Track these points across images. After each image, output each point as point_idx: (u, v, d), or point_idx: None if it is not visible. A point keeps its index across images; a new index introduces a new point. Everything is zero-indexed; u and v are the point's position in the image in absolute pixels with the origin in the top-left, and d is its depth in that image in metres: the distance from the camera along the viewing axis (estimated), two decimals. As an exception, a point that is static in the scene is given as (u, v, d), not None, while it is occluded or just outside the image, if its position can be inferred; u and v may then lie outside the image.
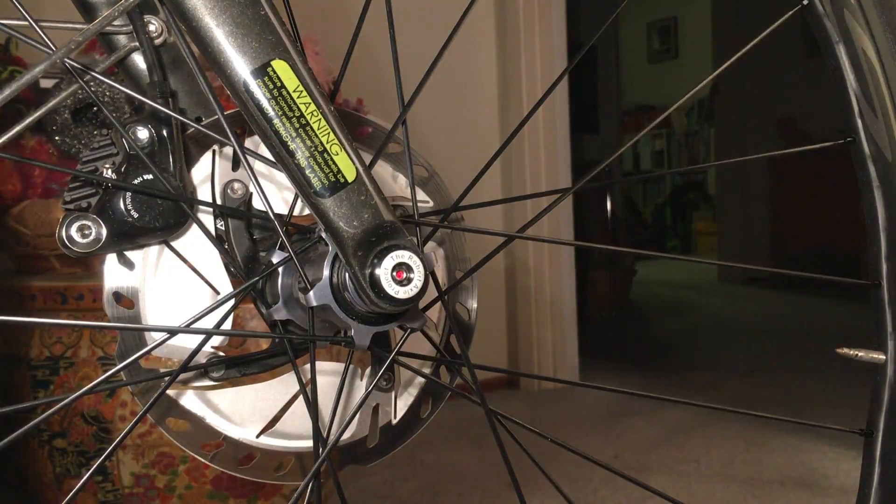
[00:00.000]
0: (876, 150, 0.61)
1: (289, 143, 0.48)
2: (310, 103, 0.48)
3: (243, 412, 0.63)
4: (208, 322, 0.56)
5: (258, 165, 0.61)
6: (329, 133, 0.49)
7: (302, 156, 0.48)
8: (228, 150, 0.61)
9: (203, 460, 0.62)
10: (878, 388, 0.62)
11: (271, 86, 0.47)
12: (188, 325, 0.55)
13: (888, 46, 0.59)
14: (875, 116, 0.60)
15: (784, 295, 4.92)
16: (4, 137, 0.44)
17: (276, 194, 0.63)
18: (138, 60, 0.59)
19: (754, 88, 5.30)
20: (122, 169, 0.54)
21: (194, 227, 0.59)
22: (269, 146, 0.48)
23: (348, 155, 0.49)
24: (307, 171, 0.48)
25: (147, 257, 0.59)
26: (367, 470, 1.88)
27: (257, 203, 0.62)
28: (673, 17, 7.81)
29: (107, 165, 0.55)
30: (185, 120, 0.56)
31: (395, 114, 0.61)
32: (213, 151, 0.60)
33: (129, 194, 0.54)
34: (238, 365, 0.61)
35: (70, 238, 0.52)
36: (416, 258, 0.50)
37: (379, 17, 0.61)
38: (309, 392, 0.55)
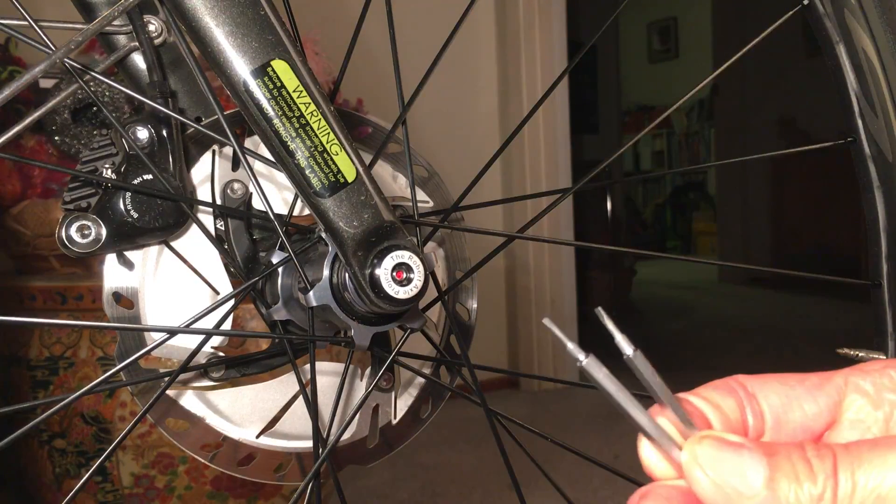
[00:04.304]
0: (876, 151, 0.61)
1: (289, 143, 0.48)
2: (310, 103, 0.48)
3: (243, 412, 0.63)
4: (208, 322, 0.56)
5: (258, 165, 0.61)
6: (329, 133, 0.49)
7: (302, 156, 0.48)
8: (228, 150, 0.60)
9: (203, 461, 0.62)
10: (879, 389, 0.62)
11: (271, 86, 0.47)
12: (188, 326, 0.55)
13: (888, 46, 0.59)
14: (875, 116, 0.60)
15: (784, 295, 4.91)
16: (4, 137, 0.44)
17: (276, 194, 0.63)
18: (138, 60, 0.59)
19: (754, 88, 5.30)
20: (122, 169, 0.54)
21: (194, 227, 0.59)
22: (269, 146, 0.48)
23: (348, 155, 0.49)
24: (307, 171, 0.48)
25: (147, 257, 0.59)
26: (367, 470, 1.88)
27: (257, 203, 0.61)
28: (673, 17, 7.80)
29: (106, 165, 0.55)
30: (185, 120, 0.56)
31: (395, 114, 0.61)
32: (213, 151, 0.60)
33: (128, 194, 0.54)
34: (238, 365, 0.61)
35: (70, 238, 0.52)
36: (416, 258, 0.50)
37: (379, 17, 0.61)
38: (309, 392, 0.55)
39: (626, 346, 0.28)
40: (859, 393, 0.30)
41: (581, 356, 0.28)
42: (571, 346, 0.28)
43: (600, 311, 0.29)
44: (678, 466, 0.29)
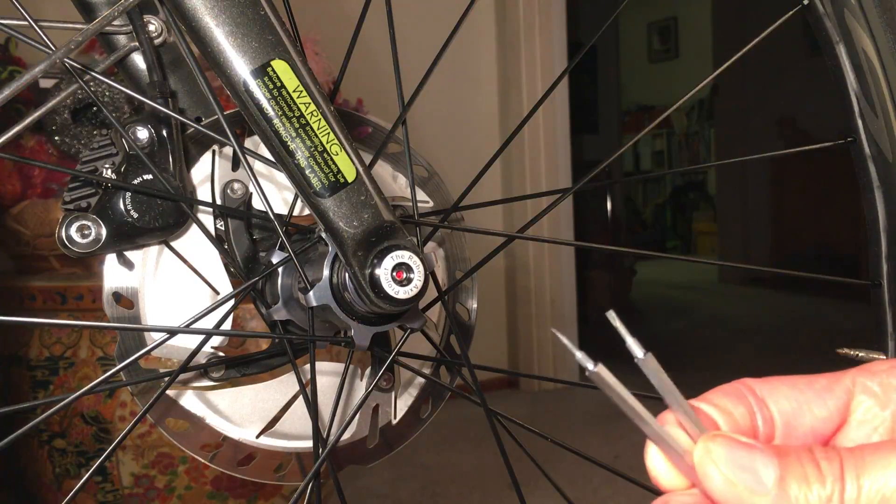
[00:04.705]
0: (876, 151, 0.61)
1: (289, 143, 0.48)
2: (310, 103, 0.48)
3: (243, 412, 0.63)
4: (208, 322, 0.56)
5: (258, 165, 0.61)
6: (329, 133, 0.49)
7: (302, 156, 0.48)
8: (228, 150, 0.60)
9: (203, 461, 0.62)
10: (879, 389, 0.62)
11: (271, 86, 0.47)
12: (188, 325, 0.55)
13: (888, 46, 0.59)
14: (875, 116, 0.60)
15: (784, 295, 4.91)
16: (4, 137, 0.44)
17: (276, 194, 0.63)
18: (138, 60, 0.59)
19: (754, 88, 5.30)
20: (122, 169, 0.54)
21: (194, 227, 0.59)
22: (269, 146, 0.48)
23: (348, 155, 0.49)
24: (307, 171, 0.48)
25: (147, 257, 0.59)
26: (367, 470, 1.88)
27: (257, 203, 0.61)
28: (673, 17, 7.80)
29: (106, 165, 0.55)
30: (185, 120, 0.56)
31: (395, 114, 0.61)
32: (213, 151, 0.60)
33: (128, 194, 0.54)
34: (238, 365, 0.61)
35: (70, 238, 0.52)
36: (416, 258, 0.50)
37: (379, 17, 0.61)
38: (309, 392, 0.55)
39: (637, 350, 0.29)
40: (867, 394, 0.31)
41: (590, 364, 0.28)
42: (580, 354, 0.28)
43: (612, 314, 0.29)
44: (687, 473, 0.29)
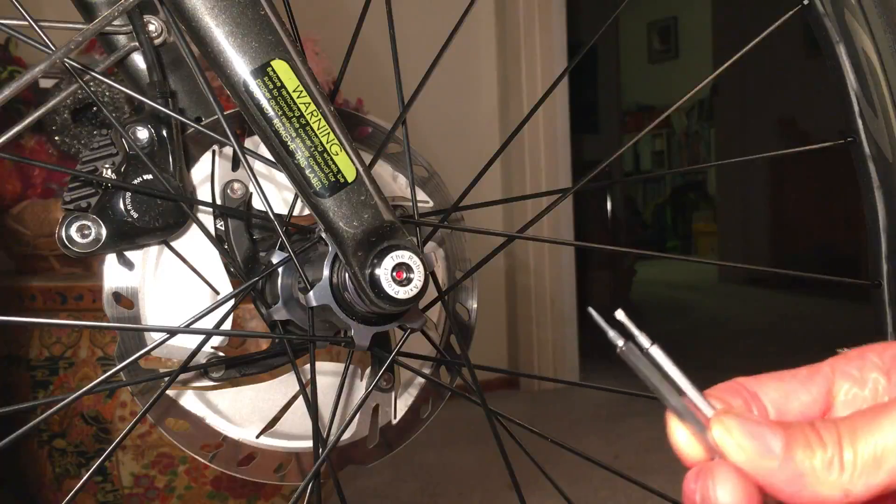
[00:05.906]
0: (876, 151, 0.61)
1: (289, 143, 0.48)
2: (310, 103, 0.48)
3: (243, 412, 0.63)
4: (208, 322, 0.56)
5: (258, 165, 0.61)
6: (329, 133, 0.49)
7: (302, 156, 0.48)
8: (228, 150, 0.60)
9: (203, 461, 0.62)
10: (879, 389, 0.62)
11: (271, 86, 0.47)
12: (188, 325, 0.55)
13: (888, 46, 0.59)
14: (875, 116, 0.60)
15: (784, 295, 4.90)
16: (4, 137, 0.44)
17: (276, 194, 0.63)
18: (138, 60, 0.59)
19: (754, 88, 5.30)
20: (122, 169, 0.54)
21: (194, 227, 0.59)
22: (269, 146, 0.48)
23: (348, 155, 0.49)
24: (307, 171, 0.48)
25: (147, 257, 0.59)
26: (367, 470, 1.88)
27: (257, 203, 0.61)
28: (673, 17, 7.79)
29: (106, 165, 0.55)
30: (185, 120, 0.56)
31: (395, 114, 0.61)
32: (213, 151, 0.60)
33: (128, 194, 0.54)
34: (238, 365, 0.61)
35: (70, 238, 0.52)
36: (416, 258, 0.50)
37: (379, 17, 0.61)
38: (309, 392, 0.55)
39: (644, 341, 0.32)
40: (846, 378, 0.34)
41: (620, 342, 0.32)
42: (612, 333, 0.32)
43: (621, 313, 0.33)
44: (704, 443, 0.32)
